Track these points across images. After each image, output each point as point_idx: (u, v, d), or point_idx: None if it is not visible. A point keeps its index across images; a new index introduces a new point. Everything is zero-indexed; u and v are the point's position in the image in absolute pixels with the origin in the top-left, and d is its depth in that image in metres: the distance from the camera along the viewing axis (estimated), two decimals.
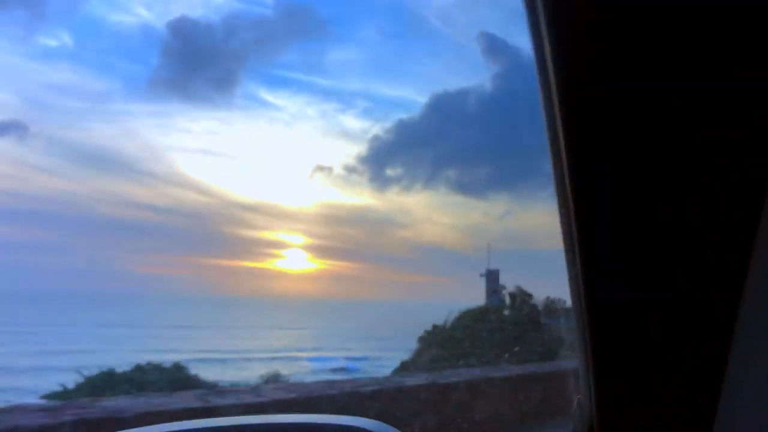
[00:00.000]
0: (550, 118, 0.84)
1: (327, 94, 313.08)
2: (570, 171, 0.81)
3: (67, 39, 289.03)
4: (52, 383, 46.63)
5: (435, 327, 36.42)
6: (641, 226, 0.79)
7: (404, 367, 34.55)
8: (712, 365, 0.77)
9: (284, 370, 64.07)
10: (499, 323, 33.88)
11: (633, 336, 0.80)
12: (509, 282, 47.77)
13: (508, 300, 44.68)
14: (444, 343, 32.99)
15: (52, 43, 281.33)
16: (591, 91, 0.78)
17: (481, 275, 46.39)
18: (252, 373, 60.19)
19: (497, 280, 45.59)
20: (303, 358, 72.37)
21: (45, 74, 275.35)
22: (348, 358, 70.34)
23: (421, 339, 36.58)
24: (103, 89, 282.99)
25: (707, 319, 0.77)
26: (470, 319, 35.35)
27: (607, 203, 0.80)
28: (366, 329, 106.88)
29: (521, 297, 44.32)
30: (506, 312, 41.52)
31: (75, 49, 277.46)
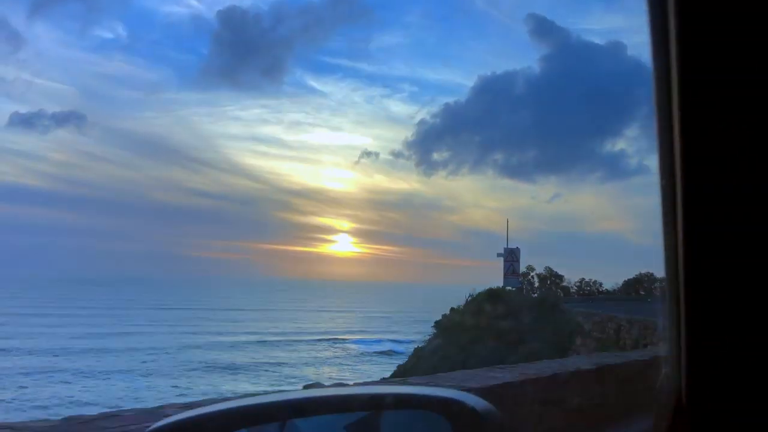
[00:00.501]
0: (664, 112, 0.85)
1: (373, 80, 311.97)
2: (682, 162, 0.82)
3: (121, 31, 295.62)
4: (106, 365, 48.16)
5: (452, 310, 34.71)
6: (754, 217, 0.81)
7: (417, 354, 32.97)
8: None
9: (330, 352, 64.97)
10: (515, 306, 31.60)
11: (731, 321, 0.82)
12: (547, 263, 46.28)
13: (537, 281, 42.85)
14: (453, 329, 31.20)
15: (107, 35, 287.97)
16: (717, 87, 0.79)
17: (498, 255, 42.07)
18: (300, 355, 61.25)
19: (517, 259, 41.75)
20: (349, 340, 72.88)
21: (101, 66, 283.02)
22: (394, 341, 70.44)
23: (436, 323, 34.73)
24: (155, 79, 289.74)
25: None
26: (482, 303, 33.27)
27: (721, 199, 0.81)
28: (411, 312, 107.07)
29: (551, 278, 42.66)
30: (522, 294, 38.94)
31: (128, 40, 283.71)
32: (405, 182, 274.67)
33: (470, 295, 35.42)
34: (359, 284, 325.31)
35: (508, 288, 39.59)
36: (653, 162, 0.93)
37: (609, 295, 39.84)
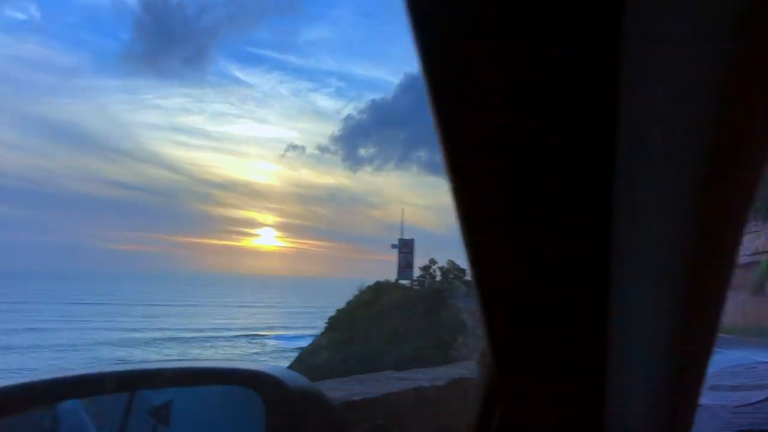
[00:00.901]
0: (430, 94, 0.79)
1: (300, 73, 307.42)
2: (446, 149, 0.74)
3: (34, 12, 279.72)
4: (8, 363, 46.23)
5: (348, 304, 34.27)
6: (512, 205, 0.75)
7: (304, 353, 32.25)
8: (595, 341, 0.82)
9: (248, 348, 64.34)
10: (401, 301, 30.55)
11: (521, 313, 0.83)
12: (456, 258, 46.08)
13: (439, 275, 42.28)
14: (342, 325, 30.49)
15: (20, 16, 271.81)
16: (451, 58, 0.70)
17: (393, 246, 40.33)
18: (216, 351, 60.33)
19: (412, 251, 40.05)
20: (269, 336, 72.15)
21: (12, 48, 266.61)
22: (315, 336, 70.19)
23: (330, 319, 34.01)
24: (72, 64, 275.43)
25: (584, 296, 0.80)
26: (369, 297, 32.61)
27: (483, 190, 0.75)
28: (335, 308, 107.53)
29: (454, 272, 42.32)
30: (412, 289, 37.45)
31: (43, 22, 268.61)
32: (331, 177, 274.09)
33: (360, 289, 34.72)
34: (283, 279, 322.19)
35: (401, 282, 38.23)
36: None
37: None
